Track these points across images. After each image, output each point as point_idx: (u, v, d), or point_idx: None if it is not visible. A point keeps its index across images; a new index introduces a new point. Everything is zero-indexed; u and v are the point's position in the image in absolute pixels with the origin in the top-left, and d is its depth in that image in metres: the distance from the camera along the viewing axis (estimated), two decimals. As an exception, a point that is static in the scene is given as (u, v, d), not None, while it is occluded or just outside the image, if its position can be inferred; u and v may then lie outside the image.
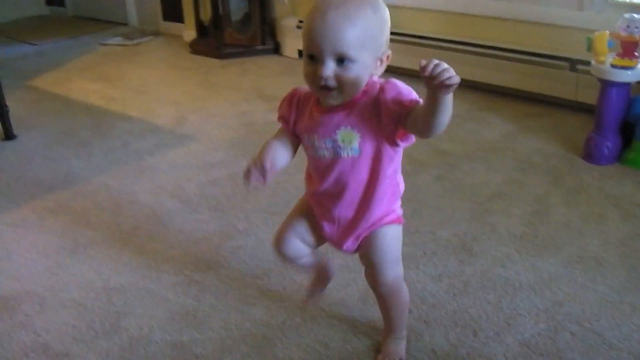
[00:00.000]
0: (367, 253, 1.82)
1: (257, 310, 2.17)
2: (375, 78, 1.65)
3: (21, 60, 5.47)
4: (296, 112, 1.75)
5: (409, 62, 4.17)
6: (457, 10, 4.09)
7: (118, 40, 5.88)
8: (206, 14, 5.35)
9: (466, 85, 3.89)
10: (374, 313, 2.06)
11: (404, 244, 2.41)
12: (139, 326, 2.15)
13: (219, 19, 5.17)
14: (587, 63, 3.20)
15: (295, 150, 1.80)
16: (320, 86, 1.59)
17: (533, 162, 3.10)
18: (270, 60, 4.87)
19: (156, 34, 6.01)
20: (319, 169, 1.76)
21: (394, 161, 1.72)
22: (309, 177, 1.84)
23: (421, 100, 1.56)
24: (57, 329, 2.18)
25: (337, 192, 1.75)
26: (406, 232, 2.48)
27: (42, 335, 2.16)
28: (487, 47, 3.92)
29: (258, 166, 1.68)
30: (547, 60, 3.70)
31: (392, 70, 4.20)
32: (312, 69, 1.58)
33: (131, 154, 3.47)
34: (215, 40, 5.13)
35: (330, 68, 1.56)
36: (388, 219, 1.79)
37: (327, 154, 1.70)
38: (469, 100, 3.81)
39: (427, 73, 1.40)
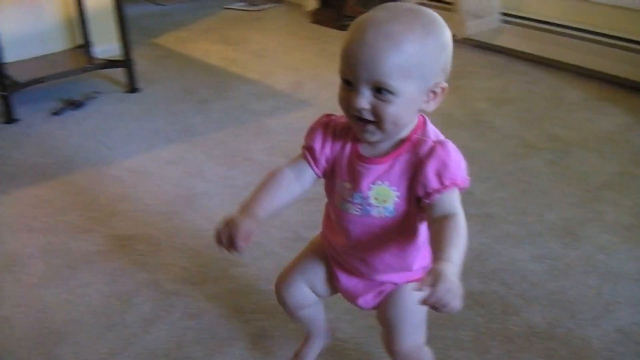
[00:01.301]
0: (385, 312, 1.55)
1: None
2: (432, 131, 1.40)
3: (147, 18, 5.64)
4: (331, 146, 1.46)
5: (530, 47, 4.16)
6: (583, -3, 4.04)
7: (241, 5, 5.99)
8: (329, -15, 5.41)
9: (585, 74, 3.87)
10: None
11: (509, 222, 2.47)
12: (247, 275, 2.25)
13: (341, -9, 5.21)
14: None
15: (310, 182, 1.51)
16: (354, 117, 1.33)
17: (648, 155, 3.06)
18: (390, 35, 4.87)
19: (278, 1, 6.09)
20: (340, 222, 1.49)
21: None
22: (327, 220, 1.59)
23: (467, 182, 1.37)
24: (169, 270, 2.30)
25: (360, 250, 1.50)
26: (512, 211, 2.54)
27: (154, 274, 2.29)
28: (611, 37, 3.85)
29: (229, 228, 1.39)
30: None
31: (512, 54, 4.17)
32: (347, 95, 1.31)
33: (248, 114, 3.57)
34: (336, 11, 5.18)
35: (365, 98, 1.29)
36: (418, 275, 1.51)
37: (352, 209, 1.44)
38: (587, 89, 3.76)
39: (429, 302, 1.15)
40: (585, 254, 2.32)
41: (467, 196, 2.57)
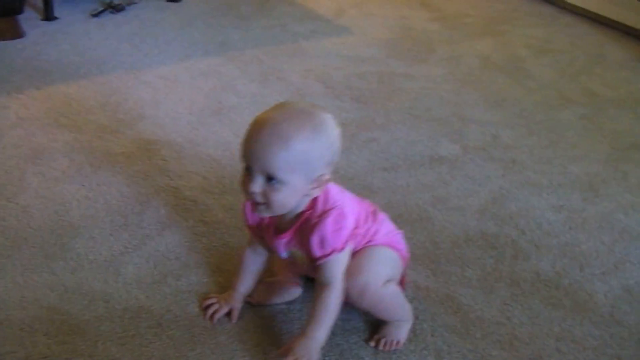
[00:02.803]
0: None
1: (378, 199, 2.23)
2: (322, 202, 1.61)
3: None
4: (257, 223, 1.72)
5: (579, 0, 4.08)
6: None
7: None
8: None
9: (632, 34, 3.80)
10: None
11: (532, 170, 2.46)
12: (265, 191, 2.27)
13: None
14: None
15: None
16: (249, 198, 1.57)
17: (685, 120, 3.01)
18: (439, -27, 4.83)
19: None
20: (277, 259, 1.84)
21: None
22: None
23: (346, 246, 1.62)
24: (190, 178, 2.33)
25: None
26: (537, 160, 2.53)
27: (174, 180, 2.32)
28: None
29: (226, 307, 1.80)
30: None
31: (560, 5, 4.06)
32: (245, 179, 1.55)
33: (287, 35, 3.56)
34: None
35: (258, 184, 1.51)
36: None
37: (287, 258, 1.74)
38: (632, 49, 3.68)
39: None
40: (603, 211, 2.31)
41: (494, 140, 2.61)
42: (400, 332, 1.77)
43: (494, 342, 1.76)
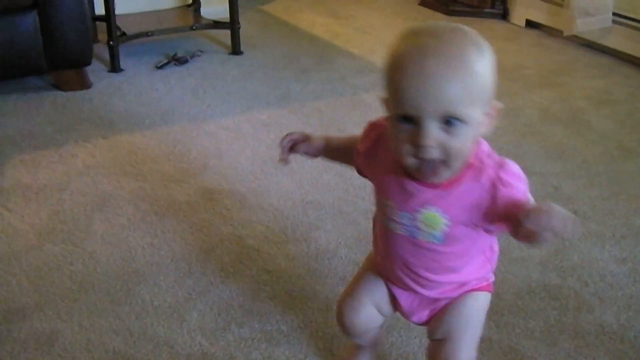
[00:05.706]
0: (443, 323, 1.47)
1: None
2: (484, 148, 1.31)
3: (258, -16, 5.71)
4: (375, 158, 1.43)
5: (639, 51, 4.06)
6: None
7: (352, -19, 6.00)
8: (442, -30, 5.37)
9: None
10: None
11: (595, 221, 2.44)
12: (327, 240, 2.29)
13: (453, -24, 5.17)
14: None
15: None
16: (418, 158, 1.21)
17: None
18: (496, 25, 4.81)
19: (389, -19, 6.08)
20: (386, 241, 1.45)
21: (488, 241, 1.43)
22: (374, 235, 1.54)
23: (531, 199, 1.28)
24: (252, 227, 2.36)
25: (410, 269, 1.43)
26: (599, 212, 2.51)
27: (238, 229, 2.35)
28: None
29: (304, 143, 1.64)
30: None
31: (619, 56, 4.05)
32: (406, 134, 1.20)
33: (347, 87, 3.60)
34: (445, -4, 5.15)
35: (433, 134, 1.17)
36: (477, 285, 1.49)
37: (399, 229, 1.37)
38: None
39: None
40: (669, 263, 2.29)
41: (555, 191, 2.60)
42: None
43: (559, 394, 1.75)
